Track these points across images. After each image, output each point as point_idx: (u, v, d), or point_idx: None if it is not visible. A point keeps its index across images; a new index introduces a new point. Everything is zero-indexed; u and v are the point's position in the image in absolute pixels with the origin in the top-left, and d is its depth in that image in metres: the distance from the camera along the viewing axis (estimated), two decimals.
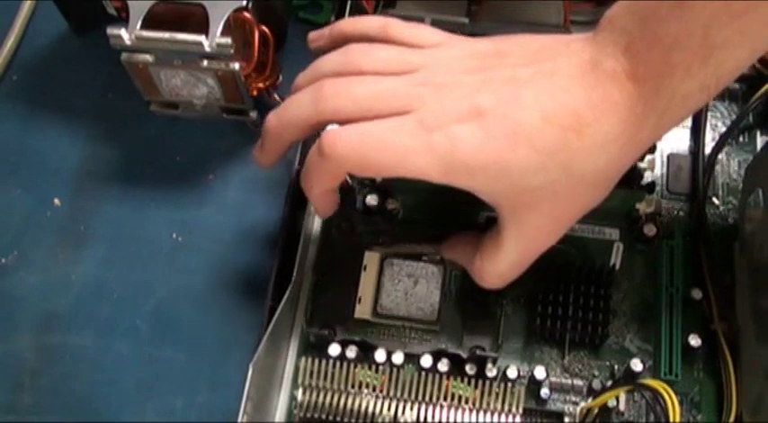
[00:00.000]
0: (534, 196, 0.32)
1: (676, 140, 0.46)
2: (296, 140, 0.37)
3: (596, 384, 0.40)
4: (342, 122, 0.33)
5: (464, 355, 0.39)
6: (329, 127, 0.34)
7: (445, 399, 0.39)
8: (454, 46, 0.35)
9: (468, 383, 0.39)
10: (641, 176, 0.43)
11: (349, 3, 0.46)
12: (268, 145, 0.37)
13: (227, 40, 0.41)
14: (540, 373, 0.40)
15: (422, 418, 0.39)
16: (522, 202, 0.33)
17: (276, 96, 0.47)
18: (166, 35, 0.42)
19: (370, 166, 0.33)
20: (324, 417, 0.39)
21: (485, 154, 0.31)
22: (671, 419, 0.36)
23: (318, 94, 0.34)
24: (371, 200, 0.42)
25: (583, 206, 0.34)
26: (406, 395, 0.39)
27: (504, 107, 0.31)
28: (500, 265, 0.35)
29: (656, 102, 0.30)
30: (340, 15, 0.46)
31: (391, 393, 0.39)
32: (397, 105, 0.33)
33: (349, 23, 0.38)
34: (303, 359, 0.40)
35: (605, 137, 0.31)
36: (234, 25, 0.43)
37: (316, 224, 0.44)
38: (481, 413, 0.39)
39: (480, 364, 0.39)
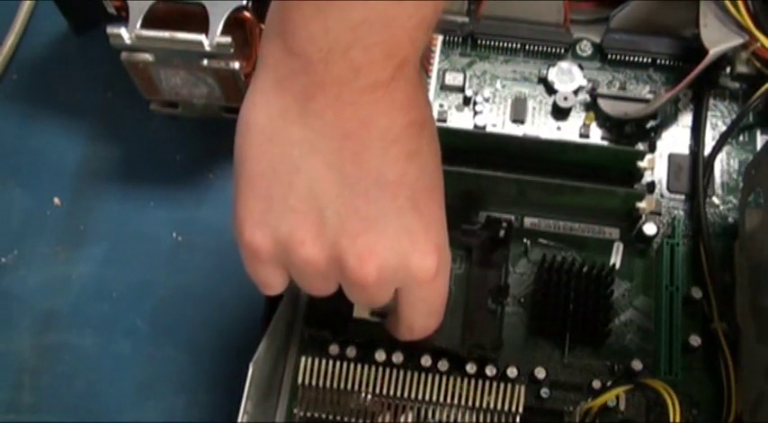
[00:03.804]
0: None
1: (676, 140, 0.46)
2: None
3: (596, 384, 0.40)
4: None
5: (464, 354, 0.39)
6: None
7: (445, 398, 0.39)
8: None
9: (469, 383, 0.39)
10: (641, 176, 0.43)
11: None
12: None
13: (228, 40, 0.41)
14: (539, 372, 0.40)
15: (422, 418, 0.39)
16: None
17: None
18: (166, 34, 0.42)
19: None
20: (324, 416, 0.39)
21: None
22: (671, 419, 0.36)
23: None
24: None
25: None
26: (406, 395, 0.39)
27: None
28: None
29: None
30: None
31: (391, 393, 0.39)
32: None
33: None
34: (303, 359, 0.40)
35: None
36: (234, 25, 0.43)
37: None
38: (481, 413, 0.39)
39: (480, 363, 0.39)
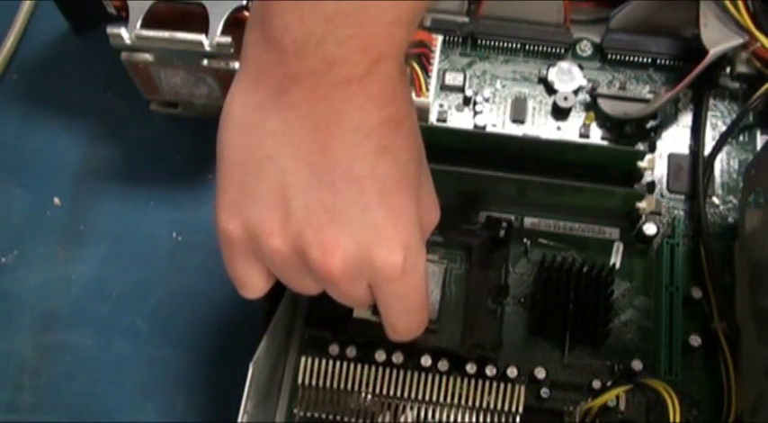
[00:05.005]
0: None
1: (676, 140, 0.46)
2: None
3: (596, 384, 0.40)
4: None
5: (464, 354, 0.39)
6: None
7: (445, 398, 0.39)
8: None
9: (469, 383, 0.39)
10: (641, 176, 0.43)
11: None
12: None
13: (228, 40, 0.41)
14: (539, 372, 0.40)
15: (422, 418, 0.39)
16: None
17: None
18: (166, 34, 0.42)
19: None
20: (324, 416, 0.39)
21: None
22: (671, 419, 0.36)
23: None
24: None
25: None
26: (405, 395, 0.39)
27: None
28: None
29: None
30: None
31: (391, 393, 0.39)
32: None
33: None
34: (303, 359, 0.40)
35: None
36: (234, 25, 0.43)
37: None
38: (481, 413, 0.39)
39: (480, 363, 0.39)
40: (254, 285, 0.33)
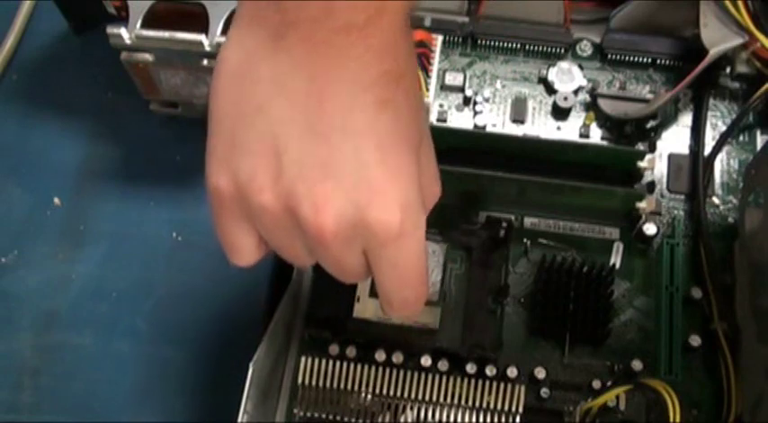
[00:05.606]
0: None
1: (676, 140, 0.46)
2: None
3: (596, 384, 0.40)
4: None
5: (464, 354, 0.39)
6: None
7: (445, 398, 0.39)
8: None
9: (469, 383, 0.39)
10: (641, 176, 0.43)
11: None
12: None
13: None
14: (540, 372, 0.40)
15: (422, 418, 0.39)
16: None
17: None
18: (166, 34, 0.42)
19: None
20: (324, 416, 0.39)
21: None
22: (671, 419, 0.36)
23: None
24: None
25: None
26: (406, 395, 0.39)
27: None
28: None
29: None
30: None
31: (391, 393, 0.39)
32: None
33: None
34: (303, 359, 0.40)
35: None
36: None
37: None
38: (481, 413, 0.39)
39: (480, 363, 0.39)
40: (243, 249, 0.31)
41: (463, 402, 0.39)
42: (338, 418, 0.39)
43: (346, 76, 0.27)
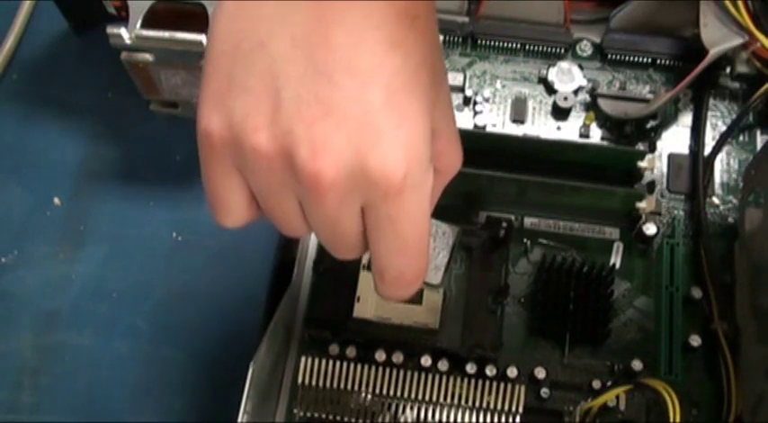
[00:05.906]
0: None
1: (676, 140, 0.46)
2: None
3: (596, 384, 0.40)
4: None
5: (464, 354, 0.39)
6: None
7: (445, 398, 0.39)
8: None
9: (469, 383, 0.39)
10: (641, 176, 0.43)
11: None
12: None
13: None
14: (540, 372, 0.40)
15: (422, 418, 0.39)
16: None
17: None
18: (166, 34, 0.42)
19: None
20: (324, 416, 0.39)
21: None
22: (671, 419, 0.36)
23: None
24: None
25: None
26: (406, 395, 0.39)
27: None
28: None
29: None
30: None
31: (391, 393, 0.39)
32: None
33: None
34: (303, 359, 0.40)
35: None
36: None
37: None
38: (481, 413, 0.39)
39: (480, 363, 0.39)
40: (231, 206, 0.29)
41: (463, 402, 0.39)
42: (338, 418, 0.39)
43: (356, 12, 0.25)
